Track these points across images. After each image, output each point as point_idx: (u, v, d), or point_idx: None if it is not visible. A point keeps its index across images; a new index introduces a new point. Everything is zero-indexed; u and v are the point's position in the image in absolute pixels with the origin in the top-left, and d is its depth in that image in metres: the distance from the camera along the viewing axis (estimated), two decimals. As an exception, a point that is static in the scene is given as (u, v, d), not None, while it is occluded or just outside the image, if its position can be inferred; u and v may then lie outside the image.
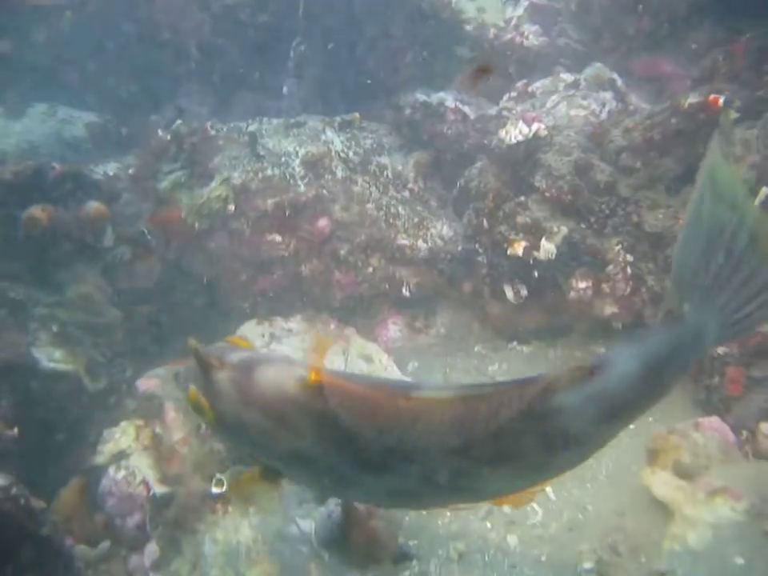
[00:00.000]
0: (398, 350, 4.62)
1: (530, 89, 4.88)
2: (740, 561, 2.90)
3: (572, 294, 4.21)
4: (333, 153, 4.73)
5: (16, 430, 3.68)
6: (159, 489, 3.60)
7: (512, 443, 1.73)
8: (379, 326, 4.71)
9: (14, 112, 6.58)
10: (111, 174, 4.87)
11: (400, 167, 4.89)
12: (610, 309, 4.17)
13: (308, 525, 3.49)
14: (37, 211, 4.20)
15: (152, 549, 3.57)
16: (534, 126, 4.20)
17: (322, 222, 4.45)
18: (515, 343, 4.67)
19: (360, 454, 1.80)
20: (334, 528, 3.34)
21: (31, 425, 3.79)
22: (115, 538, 3.66)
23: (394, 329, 4.72)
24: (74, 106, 6.76)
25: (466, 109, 4.92)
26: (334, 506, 3.37)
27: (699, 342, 1.80)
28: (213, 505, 3.52)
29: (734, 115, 3.99)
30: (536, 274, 4.25)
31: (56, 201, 4.34)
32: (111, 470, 3.74)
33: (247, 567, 3.32)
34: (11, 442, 3.64)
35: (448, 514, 3.62)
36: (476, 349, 4.67)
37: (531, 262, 4.18)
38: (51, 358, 4.04)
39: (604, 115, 4.51)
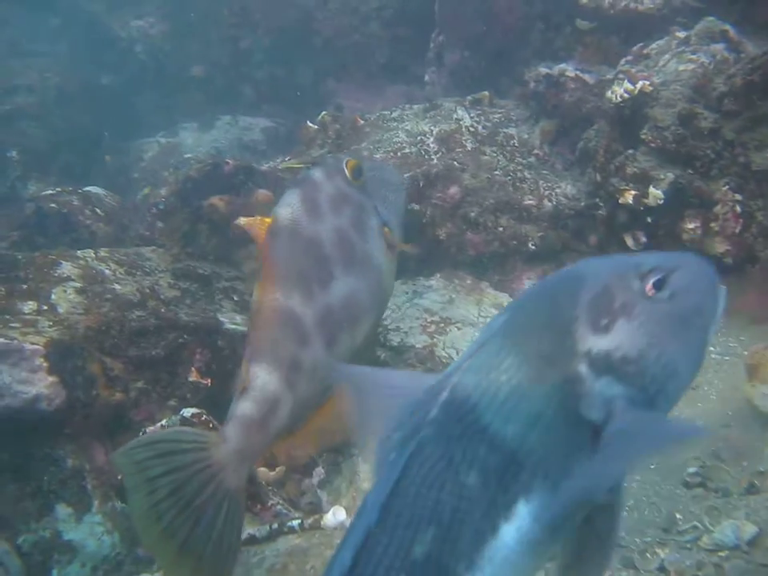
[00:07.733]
0: (532, 301, 5.07)
1: (645, 51, 5.16)
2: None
3: (684, 236, 4.50)
4: (463, 128, 5.28)
5: (210, 380, 4.50)
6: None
7: None
8: (515, 282, 5.20)
9: (205, 126, 7.78)
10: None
11: (526, 136, 5.35)
12: (722, 246, 4.43)
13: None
14: (215, 200, 5.06)
15: (319, 471, 4.30)
16: (639, 84, 4.53)
17: (453, 190, 5.01)
18: (641, 286, 4.99)
19: None
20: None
21: (220, 376, 4.58)
22: (288, 465, 4.40)
23: (528, 283, 5.18)
24: (252, 115, 7.86)
25: (586, 76, 5.29)
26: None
27: None
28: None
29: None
30: (649, 220, 4.59)
31: (230, 190, 5.19)
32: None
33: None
34: (204, 390, 4.46)
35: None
36: (603, 294, 5.04)
37: (642, 209, 4.52)
38: (233, 321, 4.82)
39: (713, 67, 4.74)
